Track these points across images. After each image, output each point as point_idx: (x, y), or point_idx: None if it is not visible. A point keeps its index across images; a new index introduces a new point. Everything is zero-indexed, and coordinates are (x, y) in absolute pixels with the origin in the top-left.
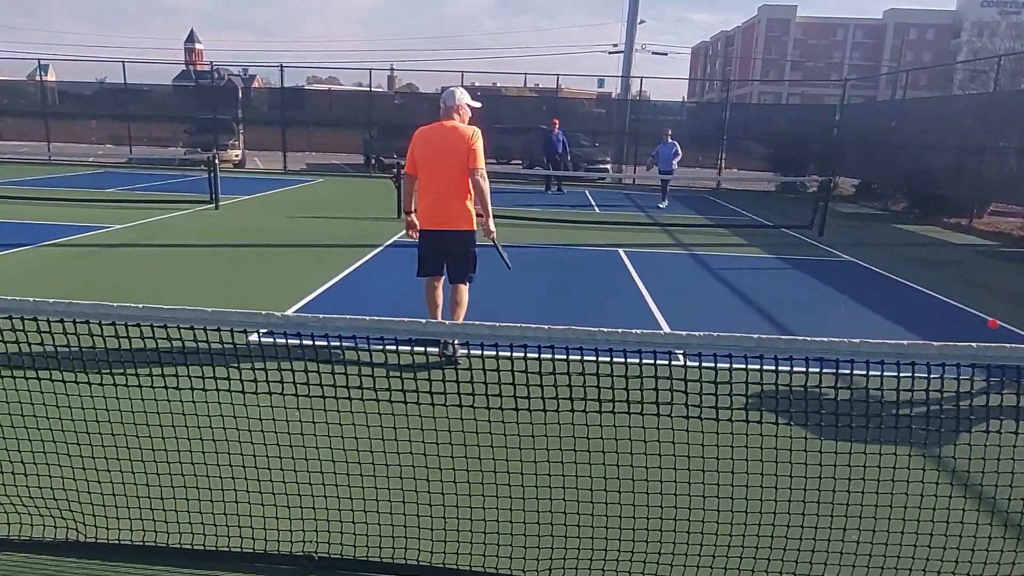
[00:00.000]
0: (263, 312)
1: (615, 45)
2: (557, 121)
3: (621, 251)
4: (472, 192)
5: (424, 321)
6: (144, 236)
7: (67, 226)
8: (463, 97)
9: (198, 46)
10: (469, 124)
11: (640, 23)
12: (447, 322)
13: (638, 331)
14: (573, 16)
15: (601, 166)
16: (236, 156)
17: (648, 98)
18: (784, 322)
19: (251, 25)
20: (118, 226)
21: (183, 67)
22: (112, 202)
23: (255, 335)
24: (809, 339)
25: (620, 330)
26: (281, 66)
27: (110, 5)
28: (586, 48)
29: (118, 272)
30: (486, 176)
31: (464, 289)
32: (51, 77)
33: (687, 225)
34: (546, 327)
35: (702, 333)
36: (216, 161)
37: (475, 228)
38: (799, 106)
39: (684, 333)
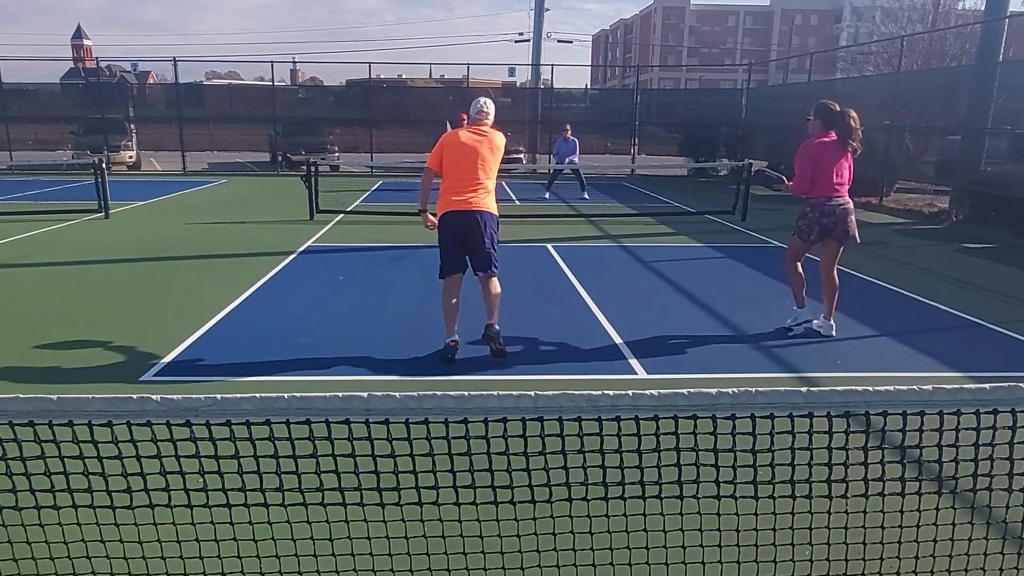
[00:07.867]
0: (134, 396)
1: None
2: (449, 123)
3: (550, 247)
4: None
5: (365, 395)
6: (20, 254)
7: None
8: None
9: (86, 42)
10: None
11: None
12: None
13: (653, 392)
14: (470, 8)
15: (514, 155)
16: (130, 158)
17: (551, 87)
18: (742, 325)
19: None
20: None
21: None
22: None
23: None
24: (871, 389)
25: (631, 392)
26: (175, 60)
27: None
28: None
29: None
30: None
31: (495, 279)
32: None
33: (611, 215)
34: (532, 394)
35: (734, 390)
36: (105, 165)
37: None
38: (707, 90)
39: (714, 391)
